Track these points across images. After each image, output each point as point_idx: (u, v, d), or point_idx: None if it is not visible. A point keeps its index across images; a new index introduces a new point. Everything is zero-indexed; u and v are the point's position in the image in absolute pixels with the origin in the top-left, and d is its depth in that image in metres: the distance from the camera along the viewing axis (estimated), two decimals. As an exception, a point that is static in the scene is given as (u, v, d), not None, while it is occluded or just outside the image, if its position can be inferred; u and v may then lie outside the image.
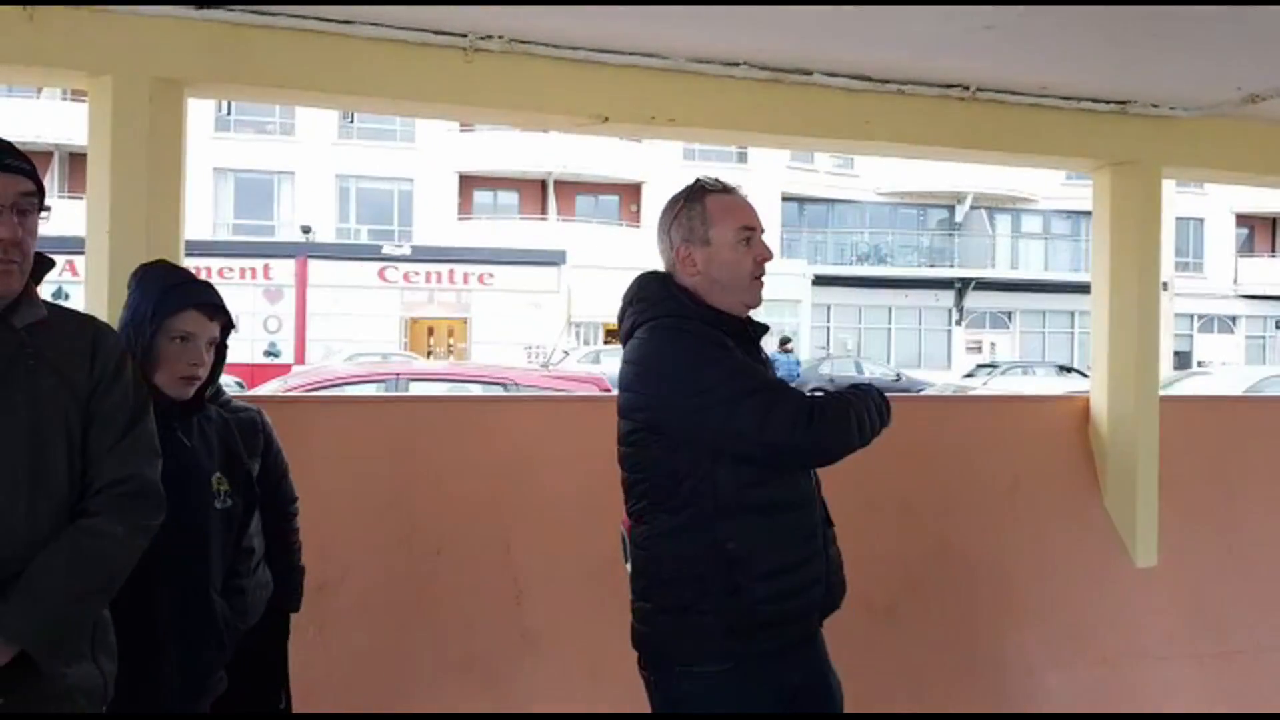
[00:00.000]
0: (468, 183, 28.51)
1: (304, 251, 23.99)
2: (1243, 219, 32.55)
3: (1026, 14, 2.92)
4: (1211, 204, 30.95)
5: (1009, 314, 30.00)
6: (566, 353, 21.39)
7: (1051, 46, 3.26)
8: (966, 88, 3.61)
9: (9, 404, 1.60)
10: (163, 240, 2.86)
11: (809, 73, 3.42)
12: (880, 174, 29.26)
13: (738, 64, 3.33)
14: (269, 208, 27.46)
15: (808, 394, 2.15)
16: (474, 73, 3.14)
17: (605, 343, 24.91)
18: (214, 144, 25.87)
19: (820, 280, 27.89)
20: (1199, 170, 4.38)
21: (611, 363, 20.83)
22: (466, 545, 3.31)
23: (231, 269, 24.26)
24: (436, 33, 3.08)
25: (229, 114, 26.17)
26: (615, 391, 2.34)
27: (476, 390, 7.29)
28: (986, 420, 4.16)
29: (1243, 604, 4.19)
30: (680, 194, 2.21)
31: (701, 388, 2.07)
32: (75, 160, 25.03)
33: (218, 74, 3.03)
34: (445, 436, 3.42)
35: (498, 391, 7.07)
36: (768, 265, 2.23)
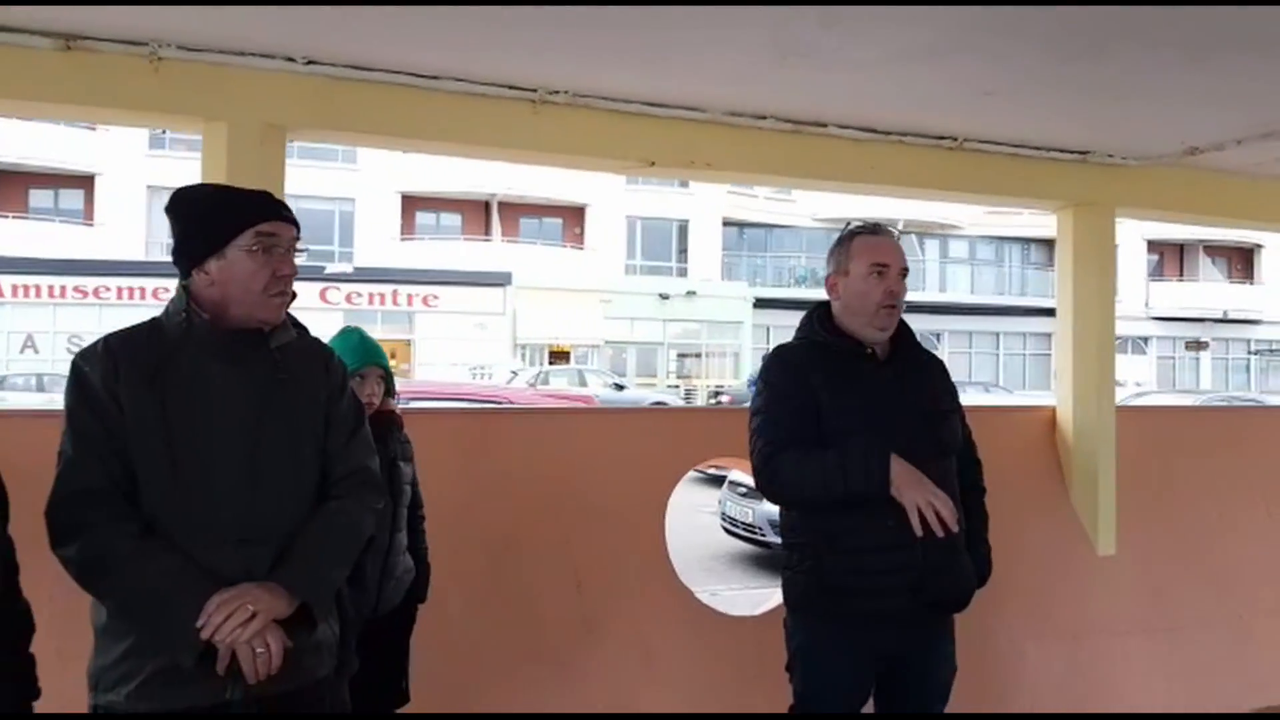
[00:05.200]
0: (410, 203, 28.23)
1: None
2: (1153, 245, 33.85)
3: (1020, 78, 3.45)
4: (1125, 231, 32.37)
5: (938, 335, 31.03)
6: (515, 373, 21.62)
7: (1030, 106, 3.80)
8: (955, 139, 4.14)
9: (276, 411, 1.95)
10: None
11: (824, 125, 3.92)
12: (816, 200, 29.88)
13: (765, 117, 3.82)
14: (205, 227, 27.17)
15: (780, 439, 2.47)
16: (540, 123, 3.56)
17: (551, 363, 25.16)
18: (149, 162, 25.52)
19: (760, 303, 28.33)
20: (1147, 210, 4.97)
21: (559, 382, 21.19)
22: (531, 543, 3.71)
23: (167, 289, 23.91)
24: (510, 87, 3.49)
25: (164, 131, 25.83)
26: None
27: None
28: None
29: (1189, 586, 4.75)
30: (841, 234, 2.68)
31: (753, 408, 2.61)
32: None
33: (317, 121, 3.39)
34: (509, 446, 3.81)
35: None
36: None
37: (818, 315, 2.65)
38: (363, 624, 2.61)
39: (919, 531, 2.32)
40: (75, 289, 23.70)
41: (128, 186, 25.63)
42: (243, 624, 1.75)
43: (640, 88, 3.57)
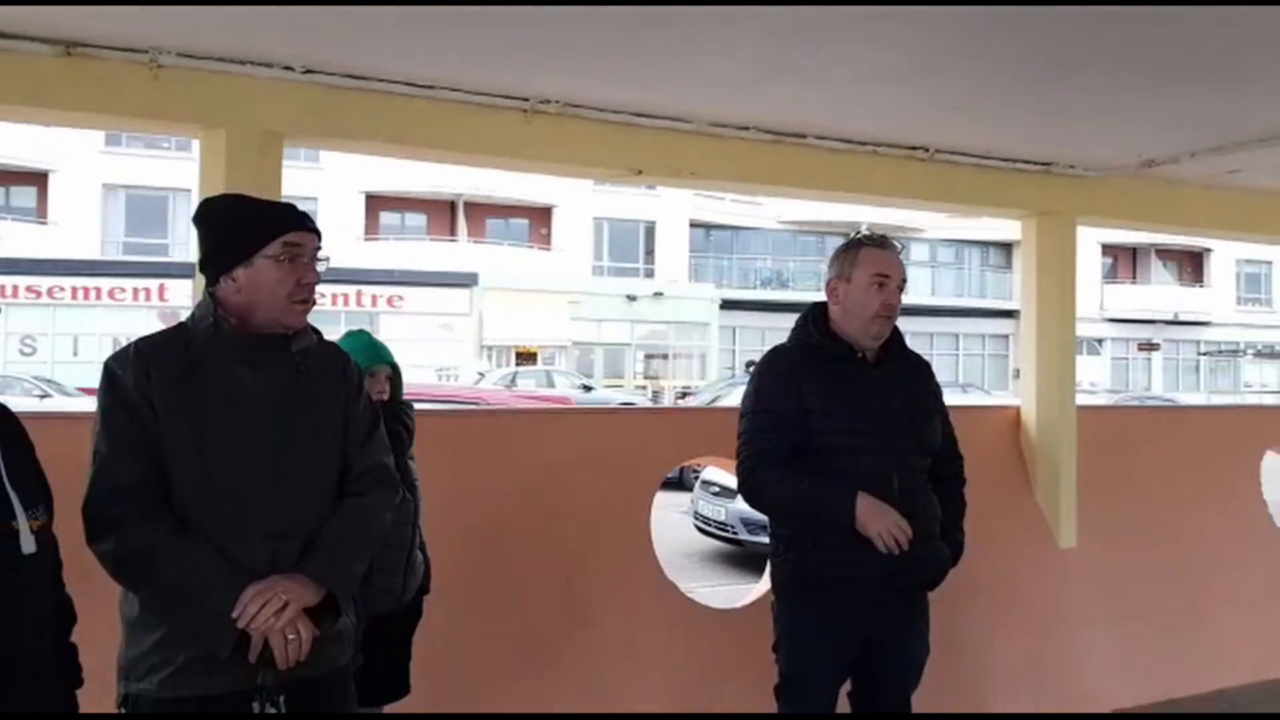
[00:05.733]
0: (374, 203, 27.92)
1: (203, 272, 23.42)
2: (1108, 249, 34.35)
3: (985, 96, 3.63)
4: (1081, 236, 32.64)
5: (900, 336, 31.35)
6: (482, 374, 21.62)
7: (998, 119, 3.98)
8: (926, 150, 4.32)
9: (299, 411, 2.05)
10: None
11: (804, 136, 4.07)
12: (782, 204, 30.16)
13: (748, 128, 3.96)
14: (163, 226, 26.22)
15: (763, 452, 2.67)
16: (532, 131, 3.67)
17: (518, 365, 25.14)
18: (103, 159, 24.99)
19: (727, 304, 28.49)
20: (1107, 219, 5.20)
21: (527, 384, 21.24)
22: (520, 540, 3.82)
23: (124, 289, 23.59)
24: (503, 97, 3.60)
25: (120, 128, 25.29)
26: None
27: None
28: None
29: (1146, 577, 4.96)
30: (847, 240, 2.82)
31: (743, 409, 2.78)
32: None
33: (314, 128, 3.48)
34: (495, 445, 3.92)
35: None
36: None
37: (813, 317, 2.79)
38: (367, 620, 2.70)
39: (884, 551, 2.57)
40: (28, 289, 23.18)
41: (83, 184, 25.15)
42: (276, 613, 1.85)
43: (629, 99, 3.69)
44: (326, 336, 2.23)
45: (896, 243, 2.87)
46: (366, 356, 2.91)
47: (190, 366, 1.99)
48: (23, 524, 1.63)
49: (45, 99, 3.12)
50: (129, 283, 23.54)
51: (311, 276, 2.06)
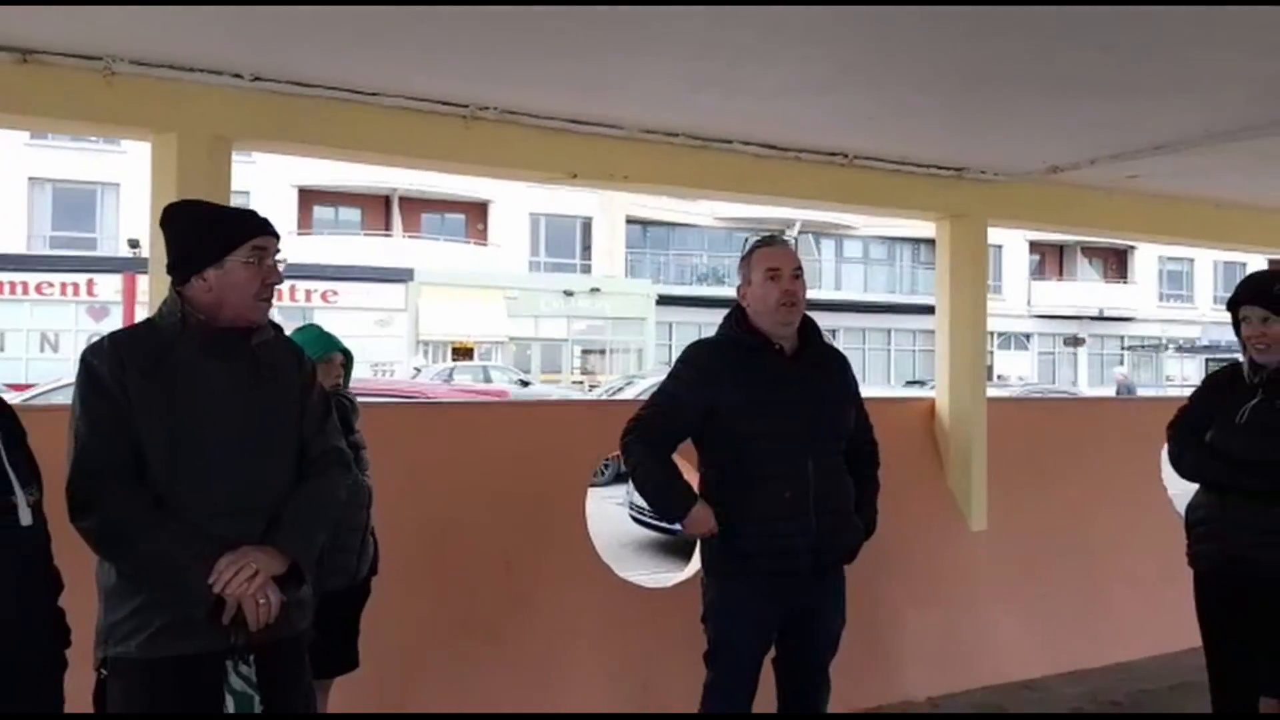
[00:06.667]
0: (307, 197, 27.55)
1: (131, 267, 23.12)
2: (1035, 246, 35.38)
3: (900, 107, 3.90)
4: (1009, 234, 33.85)
5: (834, 331, 31.80)
6: (418, 370, 21.63)
7: (911, 128, 4.26)
8: (846, 155, 4.59)
9: (260, 399, 2.23)
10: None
11: (730, 141, 4.32)
12: (717, 201, 30.61)
13: (677, 135, 4.20)
14: (91, 220, 25.75)
15: (645, 427, 2.97)
16: (471, 137, 3.86)
17: (454, 360, 25.13)
18: (29, 152, 24.31)
19: (664, 300, 28.77)
20: (1015, 221, 5.54)
21: (464, 379, 21.30)
22: (463, 526, 4.01)
23: (51, 284, 23.12)
24: (444, 104, 3.78)
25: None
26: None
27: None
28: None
29: (1052, 558, 5.31)
30: (743, 251, 3.09)
31: (659, 386, 3.09)
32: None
33: (261, 133, 3.63)
34: (437, 436, 4.11)
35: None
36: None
37: (735, 316, 3.04)
38: (319, 598, 2.88)
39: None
40: (-47, 284, 22.68)
41: (8, 177, 24.53)
42: (248, 579, 2.04)
43: (564, 106, 3.91)
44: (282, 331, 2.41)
45: (787, 238, 3.12)
46: (320, 346, 3.10)
47: (160, 358, 2.16)
48: (20, 500, 1.80)
49: (3, 104, 3.23)
50: (56, 277, 23.05)
51: (275, 277, 2.25)
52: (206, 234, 2.23)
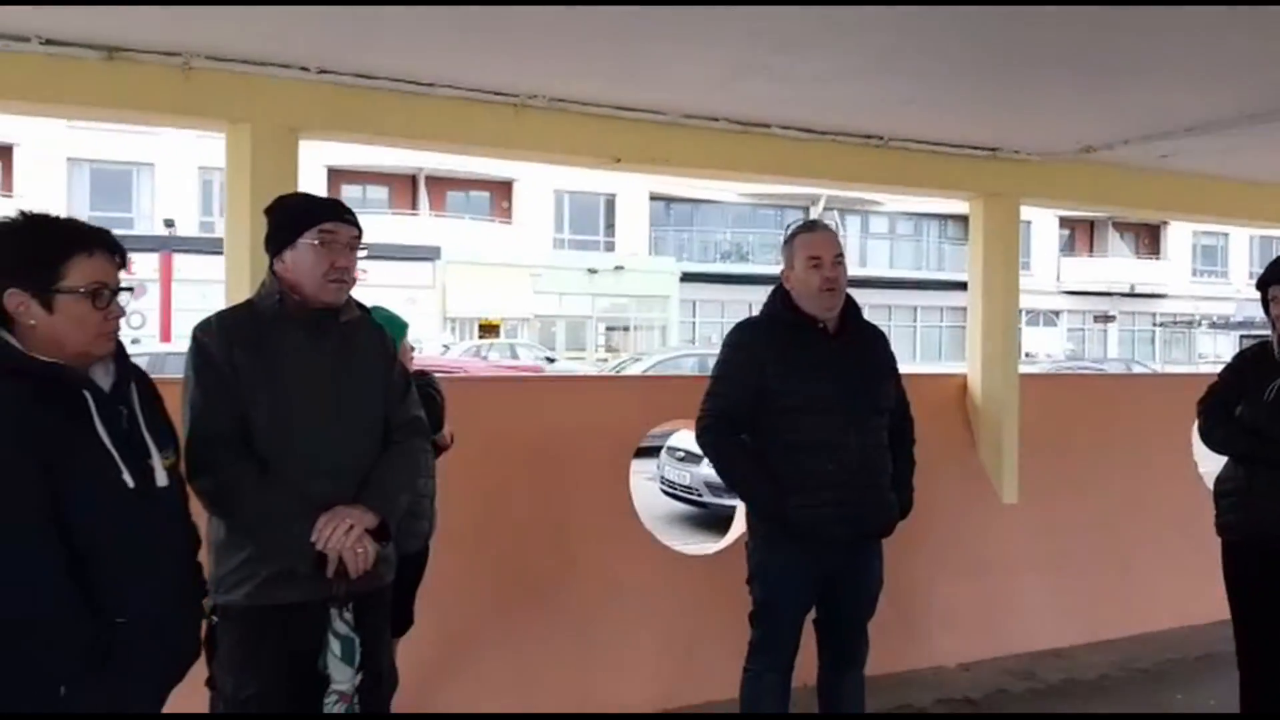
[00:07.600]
0: (336, 177, 27.70)
1: (168, 246, 23.43)
2: (1065, 222, 34.97)
3: (936, 91, 4.02)
4: (1039, 210, 33.46)
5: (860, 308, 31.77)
6: (447, 346, 21.85)
7: (946, 110, 4.38)
8: (881, 138, 4.72)
9: (351, 372, 2.44)
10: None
11: (769, 126, 4.46)
12: (756, 183, 30.45)
13: (718, 119, 4.35)
14: (127, 200, 26.15)
15: (716, 424, 3.10)
16: (521, 124, 4.03)
17: (481, 337, 25.36)
18: (69, 133, 24.73)
19: (687, 277, 28.78)
20: (1047, 200, 5.63)
21: (493, 356, 21.51)
22: (515, 494, 4.22)
23: (102, 259, 23.84)
24: (495, 93, 3.95)
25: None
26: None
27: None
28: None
29: (1080, 531, 5.43)
30: (786, 235, 3.22)
31: (713, 371, 3.21)
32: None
33: (327, 123, 3.81)
34: (488, 410, 4.28)
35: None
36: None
37: (780, 294, 3.20)
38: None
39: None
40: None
41: (47, 158, 24.96)
42: (346, 532, 2.27)
43: (609, 94, 4.07)
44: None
45: (829, 222, 3.25)
46: (396, 330, 3.28)
47: (261, 334, 2.38)
48: (157, 462, 1.99)
49: (91, 98, 3.45)
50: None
51: (343, 260, 2.43)
52: (285, 218, 2.44)
